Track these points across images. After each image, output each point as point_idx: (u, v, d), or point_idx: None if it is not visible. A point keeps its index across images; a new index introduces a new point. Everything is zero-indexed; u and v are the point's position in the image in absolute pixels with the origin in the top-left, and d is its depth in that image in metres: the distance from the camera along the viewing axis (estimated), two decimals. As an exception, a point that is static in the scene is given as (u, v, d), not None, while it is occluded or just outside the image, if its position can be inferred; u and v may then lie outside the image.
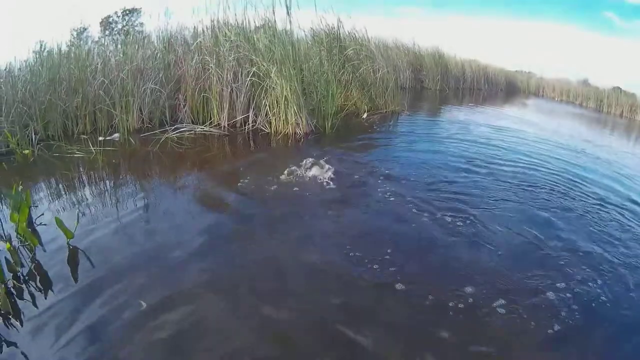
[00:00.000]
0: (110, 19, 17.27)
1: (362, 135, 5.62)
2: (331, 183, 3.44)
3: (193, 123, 5.25)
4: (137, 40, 5.85)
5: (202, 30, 5.81)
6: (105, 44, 7.70)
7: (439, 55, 13.52)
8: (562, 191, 3.86)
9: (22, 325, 1.78)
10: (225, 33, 5.42)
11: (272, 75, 5.02)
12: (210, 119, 5.35)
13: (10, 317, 1.83)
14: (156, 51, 5.60)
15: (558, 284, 2.22)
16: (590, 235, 2.93)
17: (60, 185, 3.54)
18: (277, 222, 2.86)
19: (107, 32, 15.98)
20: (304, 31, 6.47)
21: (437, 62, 13.32)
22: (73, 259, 2.28)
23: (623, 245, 2.81)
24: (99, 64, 5.26)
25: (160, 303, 1.93)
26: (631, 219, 3.35)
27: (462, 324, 1.89)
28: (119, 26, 17.05)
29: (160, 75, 5.34)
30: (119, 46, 5.85)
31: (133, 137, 4.84)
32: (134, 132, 5.03)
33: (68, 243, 2.39)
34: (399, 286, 2.13)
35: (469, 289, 2.12)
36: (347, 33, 7.12)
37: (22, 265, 2.17)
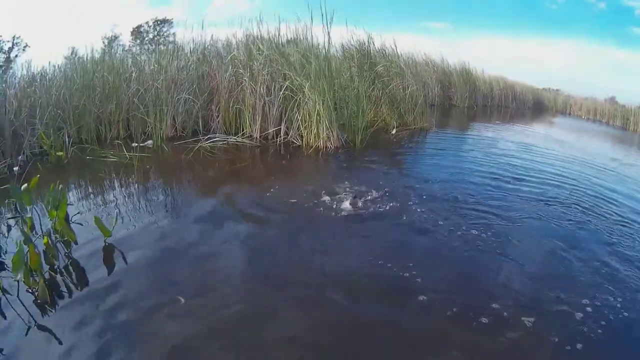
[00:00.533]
0: (142, 29, 17.79)
1: (391, 150, 5.59)
2: (359, 196, 3.40)
3: (226, 133, 5.30)
4: (170, 51, 5.97)
5: (236, 43, 5.91)
6: (138, 52, 7.87)
7: (466, 72, 13.34)
8: (588, 208, 3.73)
9: (57, 315, 1.82)
10: (259, 47, 5.47)
11: (305, 90, 5.03)
12: (243, 130, 5.39)
13: (47, 306, 1.87)
14: (190, 62, 5.68)
15: (583, 301, 2.17)
16: (617, 253, 2.83)
17: (95, 186, 3.63)
18: (302, 231, 2.87)
19: (137, 42, 16.45)
20: (335, 47, 6.51)
21: (465, 80, 13.14)
22: (109, 256, 2.35)
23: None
24: (134, 73, 5.39)
25: (196, 298, 2.01)
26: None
27: (483, 336, 1.87)
28: (150, 36, 17.55)
29: (194, 86, 5.43)
30: (153, 56, 5.97)
31: (166, 144, 4.91)
32: (167, 140, 5.10)
33: (105, 241, 2.45)
34: (421, 297, 2.11)
35: (491, 301, 2.10)
36: (377, 49, 7.14)
37: (58, 259, 2.24)
